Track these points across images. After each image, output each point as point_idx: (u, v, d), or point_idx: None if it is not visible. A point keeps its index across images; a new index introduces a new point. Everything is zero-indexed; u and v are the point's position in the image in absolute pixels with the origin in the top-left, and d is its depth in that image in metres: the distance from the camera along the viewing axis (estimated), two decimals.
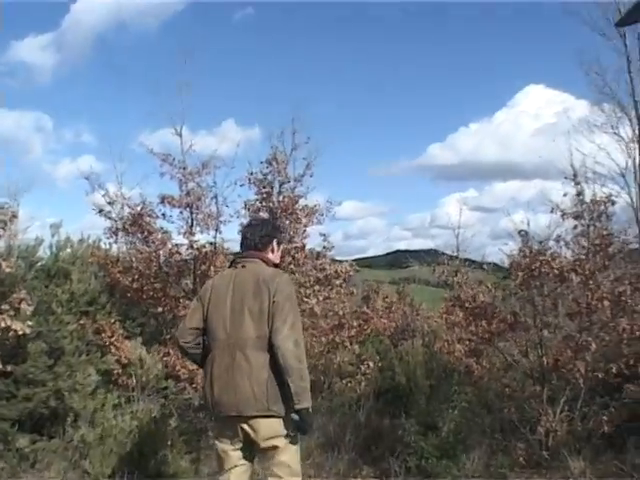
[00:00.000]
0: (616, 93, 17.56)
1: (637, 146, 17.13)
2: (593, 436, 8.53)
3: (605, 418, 8.42)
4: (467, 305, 9.31)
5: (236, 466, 4.61)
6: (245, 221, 10.03)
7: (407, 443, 8.60)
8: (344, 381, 9.46)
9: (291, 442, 4.49)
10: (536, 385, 9.02)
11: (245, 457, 4.61)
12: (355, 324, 9.13)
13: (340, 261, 10.53)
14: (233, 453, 4.60)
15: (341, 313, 9.46)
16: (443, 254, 18.38)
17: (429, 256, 17.42)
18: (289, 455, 4.49)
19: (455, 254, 20.03)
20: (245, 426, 4.44)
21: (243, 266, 4.73)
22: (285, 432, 4.43)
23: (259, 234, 4.86)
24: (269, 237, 4.89)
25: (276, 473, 4.47)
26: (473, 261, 21.50)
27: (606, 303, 8.33)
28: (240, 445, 4.56)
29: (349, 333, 9.06)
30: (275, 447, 4.44)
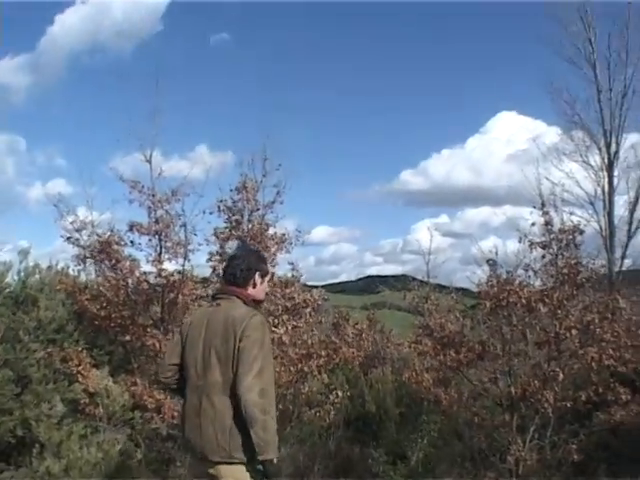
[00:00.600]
0: (585, 122, 17.84)
1: (606, 174, 17.36)
2: (563, 464, 8.54)
3: (574, 447, 8.43)
4: (435, 334, 9.32)
5: None
6: (214, 249, 10.04)
7: (376, 473, 8.54)
8: (313, 410, 9.37)
9: None
10: (505, 414, 9.02)
11: None
12: (323, 354, 9.05)
13: (312, 287, 10.50)
14: None
15: (310, 342, 9.39)
16: (414, 279, 18.52)
17: (400, 281, 17.52)
18: None
19: (425, 280, 20.14)
20: (211, 470, 4.35)
21: (218, 304, 4.51)
22: (247, 477, 4.28)
23: (239, 267, 4.58)
24: (250, 271, 4.60)
25: None
26: (444, 286, 21.64)
27: (574, 332, 8.37)
28: None
29: (317, 362, 8.98)
30: None
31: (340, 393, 9.34)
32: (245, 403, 4.09)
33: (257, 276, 4.62)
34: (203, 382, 4.32)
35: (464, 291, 12.52)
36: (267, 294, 7.64)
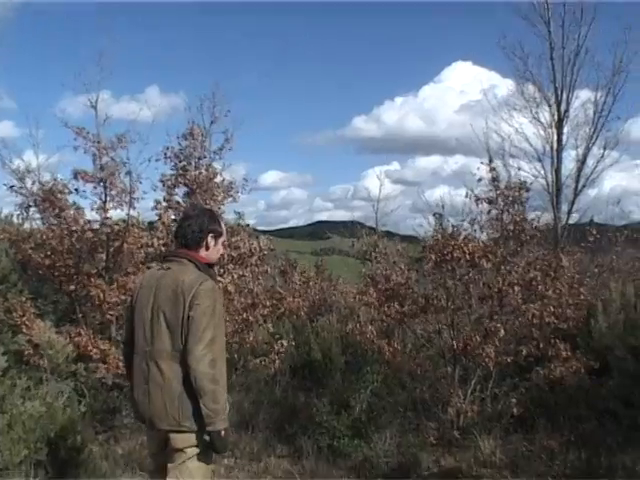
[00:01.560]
0: (537, 78, 17.82)
1: (555, 131, 17.45)
2: (503, 417, 8.68)
3: (514, 400, 8.59)
4: (380, 286, 9.35)
5: (156, 470, 4.49)
6: (161, 196, 9.91)
7: (319, 422, 8.59)
8: (258, 359, 9.39)
9: (201, 457, 4.29)
10: (448, 366, 9.13)
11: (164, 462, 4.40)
12: (268, 304, 9.06)
13: (262, 232, 10.45)
14: (154, 456, 4.51)
15: (256, 291, 9.38)
16: (363, 226, 18.60)
17: (350, 228, 17.56)
18: (196, 465, 4.28)
19: (375, 227, 20.20)
20: (160, 435, 4.32)
21: (168, 267, 4.37)
22: (197, 443, 4.22)
23: (191, 229, 4.43)
24: (202, 232, 4.46)
25: (176, 476, 4.26)
26: (394, 234, 21.76)
27: (517, 288, 8.46)
28: (159, 450, 4.41)
29: (262, 312, 9.00)
30: (184, 453, 4.24)
31: (285, 343, 9.38)
32: (195, 373, 4.05)
33: (210, 238, 4.51)
34: (151, 348, 4.25)
35: (413, 239, 12.53)
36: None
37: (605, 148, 17.28)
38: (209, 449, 4.28)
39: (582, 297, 8.82)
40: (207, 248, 4.50)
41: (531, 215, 9.45)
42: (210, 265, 4.57)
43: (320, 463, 7.97)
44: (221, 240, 4.64)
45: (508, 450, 8.31)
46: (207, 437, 4.19)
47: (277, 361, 9.41)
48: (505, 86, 18.01)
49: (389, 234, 21.19)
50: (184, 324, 4.12)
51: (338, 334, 11.17)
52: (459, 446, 8.57)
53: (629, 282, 9.45)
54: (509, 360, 8.73)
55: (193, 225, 4.44)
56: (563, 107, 17.43)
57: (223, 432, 4.19)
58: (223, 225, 4.72)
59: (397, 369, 9.71)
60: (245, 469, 8.12)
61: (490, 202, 9.13)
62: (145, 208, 10.06)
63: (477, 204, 9.17)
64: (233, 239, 9.48)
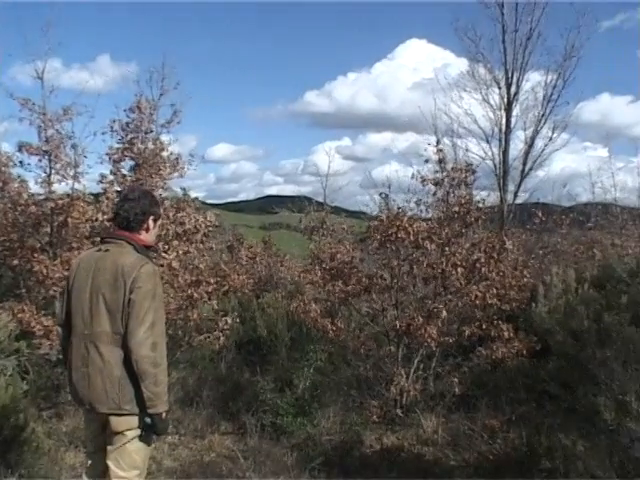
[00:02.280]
0: (488, 60, 17.88)
1: (504, 114, 17.56)
2: (446, 396, 8.78)
3: (456, 380, 8.68)
4: (325, 265, 9.37)
5: (95, 452, 4.47)
6: (106, 170, 9.75)
7: (263, 400, 8.60)
8: (202, 336, 9.35)
9: (142, 439, 4.29)
10: (392, 345, 9.18)
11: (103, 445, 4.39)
12: (212, 281, 9.00)
13: (211, 205, 10.34)
14: (93, 438, 4.47)
15: (202, 266, 9.32)
16: (313, 202, 18.58)
17: (299, 203, 17.54)
18: (136, 447, 4.28)
19: (325, 202, 20.21)
20: (100, 418, 4.28)
21: (107, 249, 4.31)
22: (137, 425, 4.22)
23: (133, 211, 4.38)
24: (145, 215, 4.43)
25: (116, 458, 4.26)
26: (343, 209, 21.80)
27: (460, 270, 8.52)
28: (98, 432, 4.39)
29: (207, 289, 8.93)
30: (124, 436, 4.23)
31: (229, 320, 9.31)
32: (136, 357, 4.04)
33: (151, 220, 4.49)
34: (90, 331, 4.21)
35: (363, 215, 12.55)
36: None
37: (553, 131, 17.46)
38: (150, 431, 4.28)
39: (525, 279, 8.92)
40: (147, 230, 4.48)
41: (477, 197, 9.50)
42: (148, 247, 4.54)
43: (263, 441, 7.99)
44: (159, 222, 4.63)
45: (450, 429, 8.42)
46: (148, 419, 4.19)
47: (222, 338, 9.35)
48: (458, 65, 18.08)
49: (338, 210, 21.25)
50: (124, 307, 4.10)
51: (284, 311, 11.16)
52: (402, 424, 8.66)
53: (570, 267, 9.56)
54: (451, 340, 8.84)
55: (135, 207, 4.40)
56: (513, 90, 17.53)
57: (164, 414, 4.23)
58: (161, 208, 4.69)
59: (341, 348, 9.75)
60: (189, 446, 8.11)
61: (436, 183, 9.18)
62: (93, 180, 9.90)
63: (423, 185, 9.22)
64: (179, 215, 9.38)
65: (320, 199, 21.85)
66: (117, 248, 4.31)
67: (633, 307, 6.15)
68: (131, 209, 4.39)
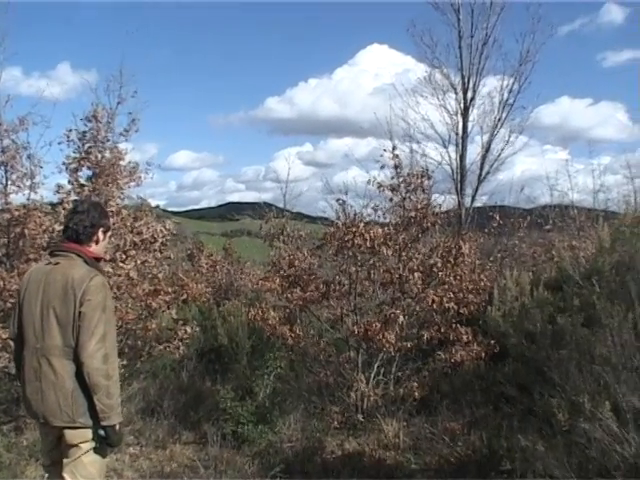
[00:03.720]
0: (445, 66, 17.97)
1: (461, 119, 17.68)
2: (406, 400, 8.81)
3: (415, 384, 8.72)
4: (282, 272, 9.38)
5: (52, 465, 4.46)
6: (63, 181, 9.66)
7: (224, 409, 8.58)
8: (162, 346, 9.30)
9: (96, 451, 4.28)
10: (351, 351, 9.21)
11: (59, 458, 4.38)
12: (170, 290, 8.97)
13: (172, 213, 10.28)
14: (49, 452, 4.46)
15: (160, 276, 9.27)
16: (274, 208, 18.57)
17: (260, 209, 17.50)
18: (91, 459, 4.27)
19: (285, 208, 20.20)
20: (54, 431, 4.26)
21: (57, 263, 4.30)
22: (91, 438, 4.21)
23: (83, 224, 4.38)
24: (94, 227, 4.43)
25: (72, 471, 4.25)
26: (304, 215, 21.77)
27: (417, 275, 8.57)
28: (53, 445, 4.39)
29: (165, 298, 8.90)
30: (79, 448, 4.22)
31: (189, 329, 9.28)
32: (88, 369, 4.03)
33: (100, 232, 4.49)
34: (41, 345, 4.19)
35: (325, 221, 12.57)
36: (115, 229, 7.40)
37: (510, 135, 17.60)
38: (104, 443, 4.27)
39: (483, 283, 8.98)
40: (97, 242, 4.49)
41: (435, 201, 9.56)
42: (98, 259, 4.53)
43: (224, 450, 7.96)
44: (109, 234, 4.62)
45: (411, 432, 8.48)
46: (102, 432, 4.18)
47: (181, 347, 9.32)
48: (418, 71, 18.16)
49: (300, 216, 21.27)
50: (75, 320, 4.09)
51: (245, 318, 11.13)
52: (363, 429, 8.69)
53: (526, 269, 9.65)
54: (410, 345, 8.88)
55: (85, 220, 4.40)
56: (470, 95, 17.61)
57: (117, 426, 4.21)
58: (110, 220, 4.68)
59: (301, 354, 9.75)
60: (150, 457, 8.08)
61: (392, 189, 9.23)
62: (51, 190, 9.80)
63: (379, 191, 9.26)
64: (137, 224, 9.32)
65: (281, 205, 21.93)
66: (67, 261, 4.30)
67: (586, 309, 6.23)
68: (80, 222, 4.39)
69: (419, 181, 9.18)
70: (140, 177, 9.91)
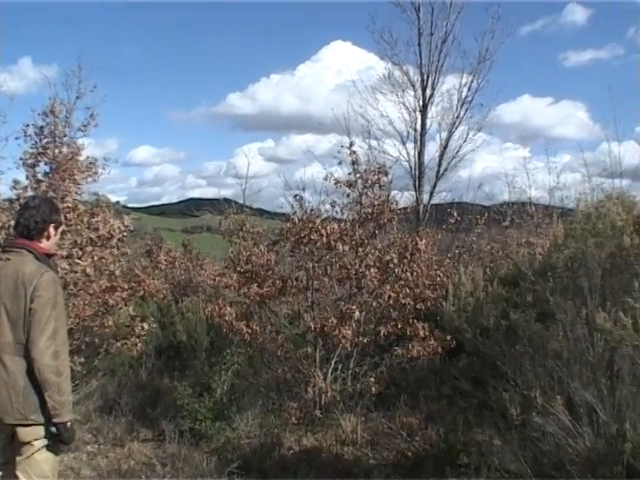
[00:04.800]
0: (404, 63, 18.00)
1: (420, 116, 17.75)
2: (364, 395, 8.85)
3: (372, 379, 8.76)
4: (239, 268, 9.38)
5: (5, 463, 4.36)
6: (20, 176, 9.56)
7: (182, 405, 8.55)
8: (119, 343, 9.24)
9: (49, 448, 4.25)
10: (309, 346, 9.22)
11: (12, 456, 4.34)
12: (127, 286, 8.92)
13: (132, 209, 10.20)
14: (2, 450, 4.36)
15: (117, 272, 9.21)
16: (234, 203, 18.51)
17: (220, 205, 17.44)
18: (44, 457, 4.24)
19: (246, 204, 20.16)
20: (7, 429, 4.22)
21: (8, 259, 4.27)
22: (44, 435, 4.18)
23: (34, 219, 4.34)
24: (45, 223, 4.38)
25: (25, 469, 4.21)
26: (265, 211, 21.75)
27: (373, 270, 8.60)
28: (6, 443, 4.31)
29: (121, 295, 8.84)
30: (32, 446, 4.19)
31: (146, 325, 9.23)
32: (39, 366, 4.01)
33: (51, 228, 4.45)
34: None
35: (283, 216, 12.59)
36: (71, 225, 7.33)
37: (468, 133, 17.72)
38: (56, 441, 4.24)
39: (439, 279, 9.03)
40: (48, 238, 4.45)
41: (393, 197, 9.62)
42: (49, 255, 4.50)
43: (182, 446, 7.92)
44: (60, 230, 4.59)
45: (369, 428, 8.54)
46: (54, 429, 4.15)
47: (139, 344, 9.27)
48: (381, 68, 18.08)
49: (261, 212, 21.23)
50: (26, 316, 4.07)
51: (203, 315, 11.10)
52: (321, 425, 8.71)
53: (481, 265, 9.73)
54: (366, 341, 8.92)
55: (36, 215, 4.37)
56: (429, 92, 17.68)
57: (69, 423, 4.18)
58: (61, 216, 4.65)
59: (260, 350, 9.74)
60: (108, 455, 8.04)
61: (350, 185, 9.26)
62: (8, 185, 9.69)
63: (336, 187, 9.30)
64: (93, 220, 9.25)
65: (242, 201, 21.87)
66: (18, 257, 4.27)
67: (540, 304, 6.29)
68: (31, 217, 4.35)
69: (376, 177, 9.23)
70: (97, 172, 9.83)
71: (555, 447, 5.92)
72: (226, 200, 18.58)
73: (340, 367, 9.14)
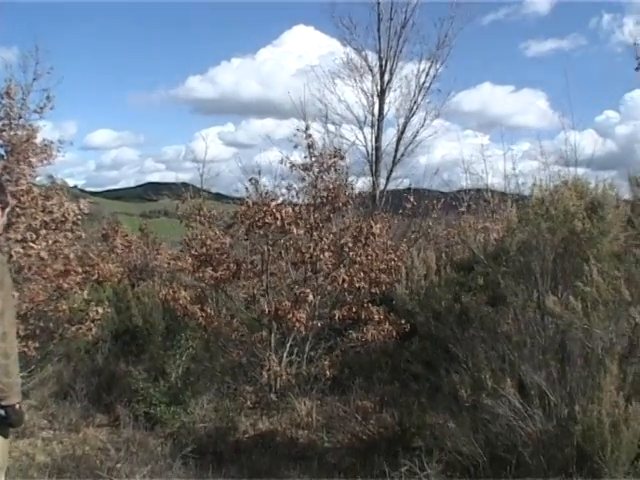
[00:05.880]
0: (363, 48, 18.06)
1: (377, 101, 17.80)
2: (319, 379, 8.88)
3: (327, 363, 8.80)
4: (194, 252, 9.35)
5: None
6: None
7: (136, 390, 8.52)
8: (74, 328, 9.17)
9: None
10: (264, 330, 9.23)
11: None
12: (80, 270, 8.84)
13: (90, 193, 10.11)
14: None
15: (72, 256, 9.13)
16: (192, 188, 18.43)
17: (178, 190, 17.36)
18: None
19: (204, 189, 20.08)
20: None
21: None
22: None
23: None
24: None
25: None
26: (225, 196, 21.68)
27: (328, 254, 8.63)
28: None
29: (75, 279, 8.77)
30: None
31: (100, 310, 9.17)
32: None
33: None
34: None
35: (239, 200, 12.56)
36: (25, 208, 7.24)
37: (425, 119, 17.81)
38: (4, 424, 4.18)
39: (394, 263, 9.07)
40: None
41: (349, 181, 9.66)
42: None
43: (137, 431, 7.88)
44: (7, 211, 4.49)
45: (324, 411, 8.58)
46: (2, 412, 4.09)
47: (94, 328, 9.21)
48: (342, 54, 18.09)
49: (220, 196, 21.15)
50: None
51: (159, 299, 11.06)
52: (276, 409, 8.74)
53: (437, 251, 9.79)
54: (321, 324, 8.96)
55: None
56: (387, 77, 17.79)
57: (18, 406, 4.11)
58: (8, 196, 4.55)
59: (215, 335, 9.71)
60: (63, 440, 7.98)
61: (305, 168, 9.27)
62: None
63: (292, 170, 9.31)
64: (48, 203, 9.16)
65: (201, 185, 21.77)
66: None
67: (491, 288, 6.35)
68: None
69: (332, 161, 9.25)
70: (52, 155, 9.72)
71: (507, 429, 5.97)
72: (184, 184, 18.49)
73: (295, 351, 9.16)
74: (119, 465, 6.91)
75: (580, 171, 7.88)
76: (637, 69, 15.18)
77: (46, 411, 8.66)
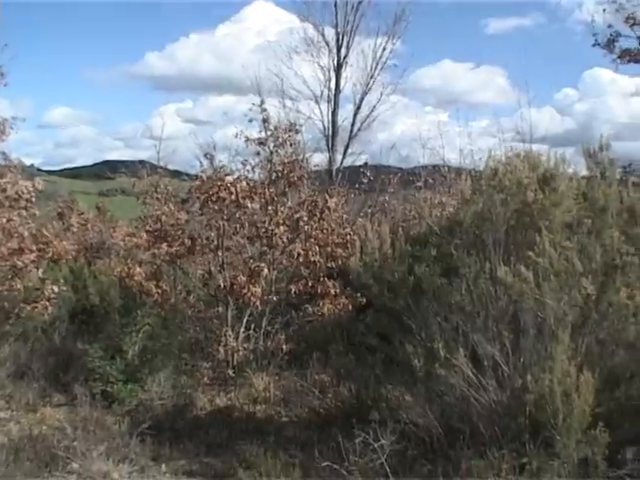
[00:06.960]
0: (320, 23, 18.06)
1: (334, 76, 17.78)
2: (276, 354, 8.90)
3: (283, 337, 8.83)
4: (148, 227, 9.31)
5: None
6: None
7: (93, 369, 8.48)
8: (30, 307, 9.10)
9: None
10: (220, 306, 9.22)
11: None
12: (35, 248, 8.77)
13: (47, 172, 10.02)
14: None
15: (26, 234, 9.04)
16: (149, 165, 18.29)
17: (136, 167, 17.22)
18: None
19: (160, 165, 19.97)
20: None
21: None
22: None
23: None
24: None
25: None
26: (183, 173, 21.52)
27: (283, 228, 8.62)
28: None
29: (30, 257, 8.70)
30: None
31: (56, 288, 9.10)
32: None
33: None
34: None
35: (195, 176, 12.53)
36: None
37: (382, 94, 17.81)
38: None
39: (349, 237, 9.09)
40: None
41: (304, 156, 9.65)
42: None
43: (94, 410, 7.83)
44: None
45: (282, 386, 8.65)
46: None
47: (49, 307, 9.15)
48: (302, 30, 18.03)
49: (178, 173, 21.01)
50: None
51: (116, 277, 10.99)
52: (233, 384, 8.78)
53: (386, 223, 9.84)
54: (277, 299, 8.98)
55: None
56: (343, 52, 17.80)
57: None
58: None
59: (170, 311, 9.67)
60: (20, 420, 7.96)
61: (260, 143, 9.25)
62: None
63: (247, 144, 9.29)
64: (1, 181, 9.06)
65: (159, 163, 21.60)
66: None
67: (445, 260, 6.39)
68: None
69: (287, 135, 9.24)
70: (6, 132, 9.61)
71: (461, 400, 6.05)
72: (141, 162, 18.35)
73: (252, 326, 9.16)
74: (76, 443, 6.87)
75: (537, 147, 7.94)
76: (594, 45, 15.39)
77: (3, 392, 8.60)
